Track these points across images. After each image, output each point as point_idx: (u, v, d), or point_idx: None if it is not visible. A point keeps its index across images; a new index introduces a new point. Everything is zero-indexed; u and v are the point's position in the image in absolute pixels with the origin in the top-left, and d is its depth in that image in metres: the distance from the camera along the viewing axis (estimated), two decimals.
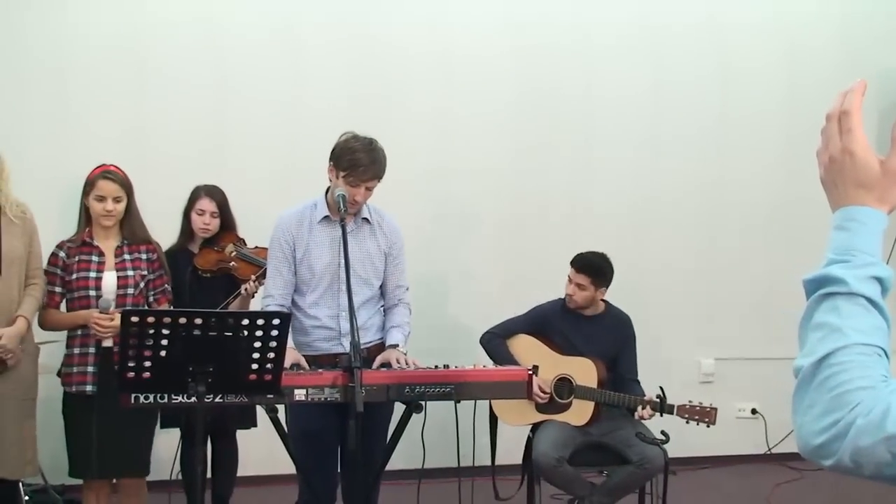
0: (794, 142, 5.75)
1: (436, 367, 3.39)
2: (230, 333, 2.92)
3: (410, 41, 5.60)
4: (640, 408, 4.12)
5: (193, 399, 2.94)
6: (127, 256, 3.83)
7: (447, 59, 5.66)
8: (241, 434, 4.45)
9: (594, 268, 4.31)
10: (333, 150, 3.52)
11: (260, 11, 5.45)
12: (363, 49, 5.55)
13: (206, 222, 4.28)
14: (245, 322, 2.93)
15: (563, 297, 4.42)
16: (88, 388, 3.71)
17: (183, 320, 2.89)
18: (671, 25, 5.95)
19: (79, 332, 3.75)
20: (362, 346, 3.35)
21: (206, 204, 4.29)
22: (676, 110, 5.95)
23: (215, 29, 5.38)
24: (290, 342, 3.43)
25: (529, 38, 5.76)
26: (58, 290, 3.81)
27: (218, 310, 3.92)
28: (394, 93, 5.55)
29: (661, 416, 4.11)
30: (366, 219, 3.64)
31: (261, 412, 3.58)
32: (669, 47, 5.96)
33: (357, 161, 3.43)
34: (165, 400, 3.05)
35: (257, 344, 2.94)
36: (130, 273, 3.81)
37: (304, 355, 3.49)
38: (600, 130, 5.86)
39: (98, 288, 3.76)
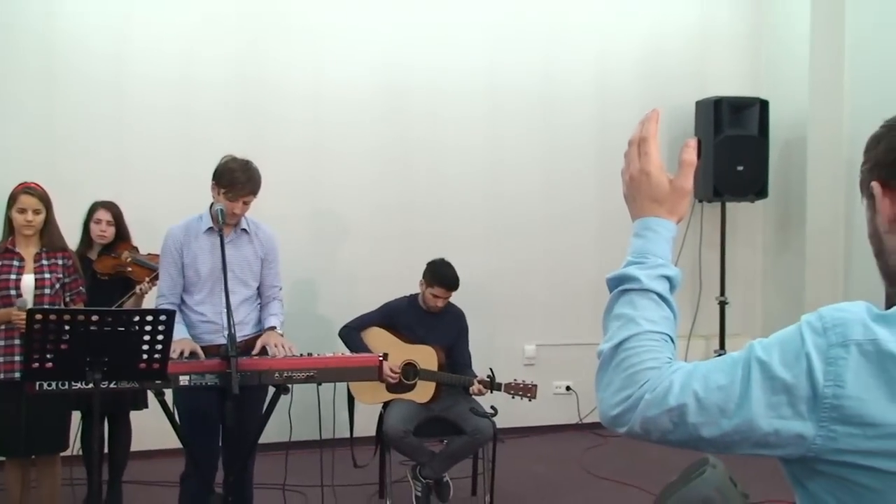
0: (605, 163, 5.97)
1: (301, 355, 3.57)
2: (123, 328, 3.01)
3: (286, 80, 5.68)
4: (473, 386, 4.34)
5: (91, 385, 3.02)
6: (45, 262, 3.94)
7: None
8: (134, 414, 4.51)
9: (457, 282, 4.54)
10: (215, 170, 3.71)
11: (157, 48, 5.45)
12: (248, 84, 5.61)
13: (102, 230, 4.45)
14: (136, 318, 3.04)
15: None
16: (16, 375, 3.76)
17: (81, 317, 2.98)
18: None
19: (3, 327, 3.84)
20: (241, 339, 3.55)
21: (103, 214, 4.47)
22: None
23: (120, 62, 5.38)
24: (187, 334, 3.61)
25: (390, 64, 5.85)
26: None
27: (113, 308, 4.02)
28: (270, 121, 5.66)
29: (492, 392, 4.35)
30: (244, 229, 3.82)
31: (151, 395, 3.62)
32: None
33: (235, 179, 3.62)
34: (67, 386, 3.11)
35: (146, 337, 3.03)
36: (47, 276, 3.92)
37: None
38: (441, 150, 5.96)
39: (17, 288, 3.85)
